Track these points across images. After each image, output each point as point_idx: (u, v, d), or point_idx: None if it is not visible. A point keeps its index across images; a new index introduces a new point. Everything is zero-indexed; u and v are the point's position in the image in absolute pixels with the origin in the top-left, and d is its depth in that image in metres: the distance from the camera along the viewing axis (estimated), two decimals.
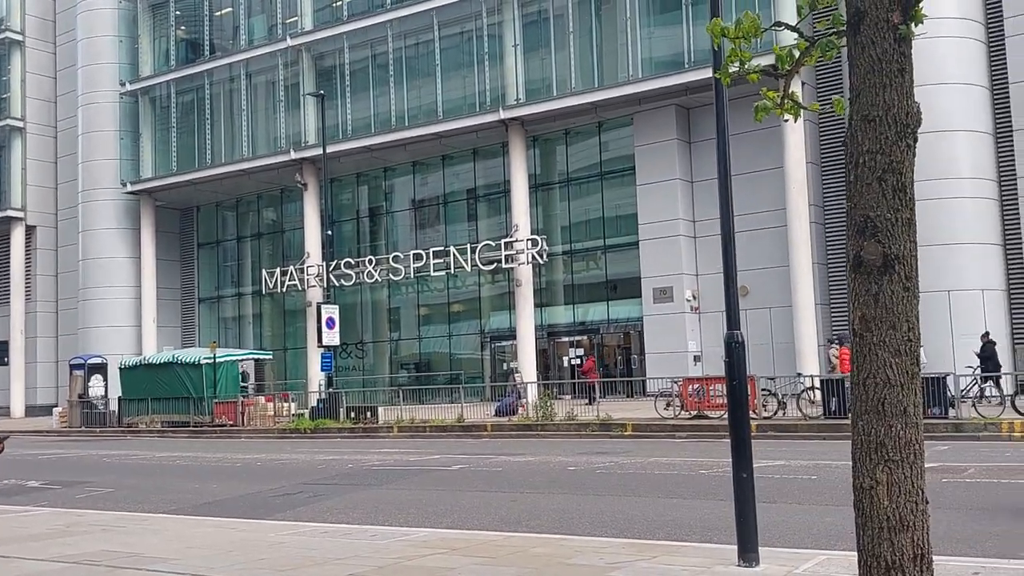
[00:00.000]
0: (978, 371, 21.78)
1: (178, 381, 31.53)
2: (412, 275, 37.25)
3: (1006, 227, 27.68)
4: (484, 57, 35.04)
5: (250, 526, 10.38)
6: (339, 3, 38.89)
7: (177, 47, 43.77)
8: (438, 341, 39.13)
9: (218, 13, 42.83)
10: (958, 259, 26.60)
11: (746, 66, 4.02)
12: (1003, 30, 27.63)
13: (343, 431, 27.08)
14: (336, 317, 30.72)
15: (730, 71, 4.10)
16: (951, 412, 19.86)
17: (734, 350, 7.79)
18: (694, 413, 22.57)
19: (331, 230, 35.00)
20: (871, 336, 3.43)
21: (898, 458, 3.37)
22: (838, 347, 23.61)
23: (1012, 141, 27.40)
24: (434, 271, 36.59)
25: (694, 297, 32.06)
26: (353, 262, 38.07)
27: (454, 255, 35.57)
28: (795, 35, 3.99)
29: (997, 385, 21.63)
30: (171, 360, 32.72)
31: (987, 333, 23.68)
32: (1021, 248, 27.21)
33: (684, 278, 32.00)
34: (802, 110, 4.31)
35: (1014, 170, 27.33)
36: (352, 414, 28.48)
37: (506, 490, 13.19)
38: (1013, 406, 19.69)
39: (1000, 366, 23.16)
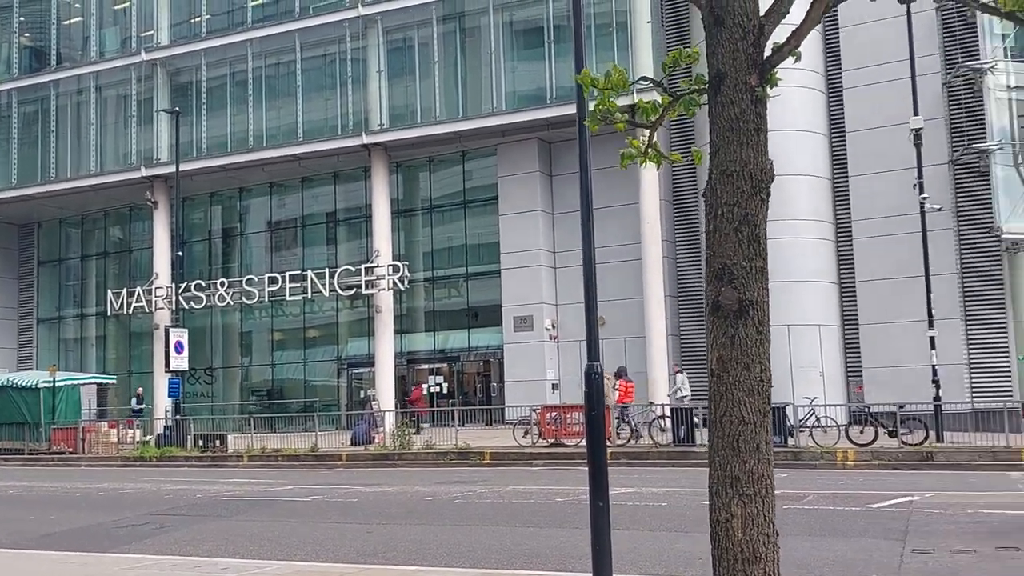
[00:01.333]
0: (815, 400, 23.02)
1: (13, 406, 29.66)
2: (267, 299, 36.37)
3: (841, 266, 29.50)
4: (347, 81, 34.82)
5: (93, 560, 9.87)
6: (197, 19, 37.85)
7: (21, 55, 41.51)
8: (292, 367, 38.29)
9: (67, 22, 40.92)
10: (798, 295, 28.13)
11: (614, 115, 4.22)
12: (841, 82, 29.60)
13: (191, 460, 26.08)
14: (185, 341, 29.67)
15: (598, 118, 4.30)
16: (790, 441, 20.94)
17: (593, 380, 8.02)
18: (551, 441, 22.91)
19: (181, 251, 33.84)
20: (727, 376, 3.65)
21: (752, 492, 3.59)
22: (618, 380, 24.81)
23: (848, 186, 29.30)
24: (290, 295, 35.85)
25: (553, 326, 32.64)
26: (204, 284, 36.86)
27: (312, 279, 34.98)
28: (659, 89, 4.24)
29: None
30: (5, 384, 30.75)
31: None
32: (854, 286, 29.02)
33: (544, 307, 32.55)
34: (664, 158, 4.55)
35: (849, 213, 29.21)
36: (200, 442, 27.49)
37: (362, 521, 13.03)
38: (847, 435, 20.91)
39: None
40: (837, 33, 29.47)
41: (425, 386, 34.79)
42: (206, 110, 36.82)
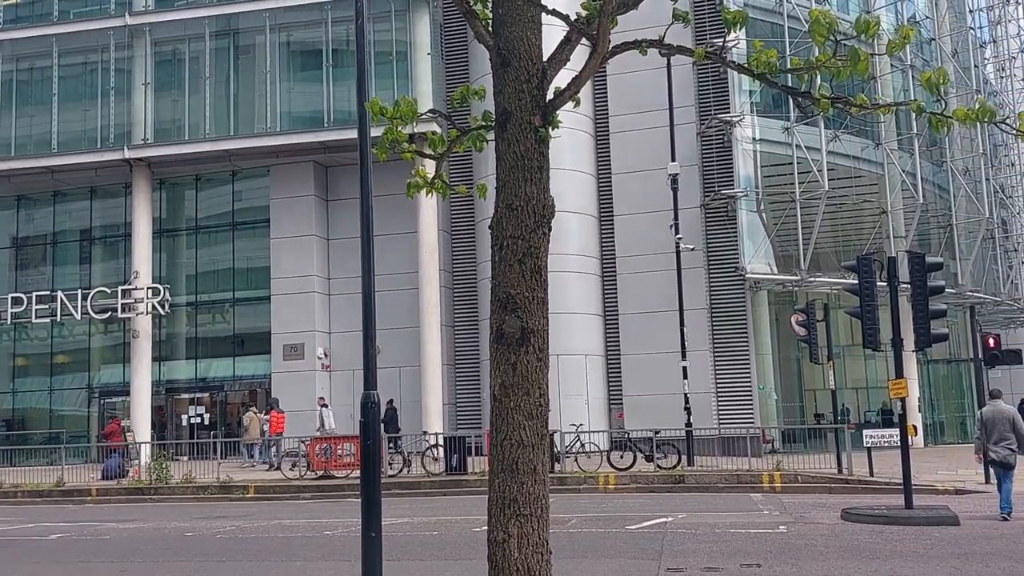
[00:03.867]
0: (580, 427, 23.96)
1: None
2: (9, 321, 33.32)
3: (606, 300, 31.01)
4: (110, 92, 32.80)
5: None
6: None
7: None
8: (37, 396, 35.20)
9: None
10: (567, 327, 29.26)
11: (402, 144, 4.27)
12: (608, 127, 31.27)
13: None
14: None
15: (387, 146, 4.33)
16: (557, 466, 21.69)
17: (369, 410, 7.98)
18: (320, 473, 22.43)
19: None
20: (508, 401, 3.78)
21: (528, 512, 3.72)
22: (270, 412, 25.42)
23: (613, 224, 30.92)
24: (36, 317, 33.03)
25: (326, 355, 32.03)
26: None
27: (62, 301, 32.43)
28: (447, 122, 4.34)
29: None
30: None
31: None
32: (617, 318, 30.57)
33: (316, 335, 31.88)
34: (450, 189, 4.65)
35: (614, 250, 30.81)
36: None
37: (115, 560, 12.18)
38: (609, 461, 21.93)
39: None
40: (605, 80, 31.12)
41: (186, 416, 33.08)
42: None
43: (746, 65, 3.78)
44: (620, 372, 30.17)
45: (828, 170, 29.01)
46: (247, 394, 33.90)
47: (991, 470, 15.51)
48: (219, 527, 15.46)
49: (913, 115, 3.91)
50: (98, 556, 12.66)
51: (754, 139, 29.95)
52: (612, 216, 30.90)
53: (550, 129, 3.68)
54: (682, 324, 24.68)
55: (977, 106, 3.51)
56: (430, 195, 4.70)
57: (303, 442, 23.49)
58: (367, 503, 7.75)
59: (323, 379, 31.97)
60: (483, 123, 4.04)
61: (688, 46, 3.98)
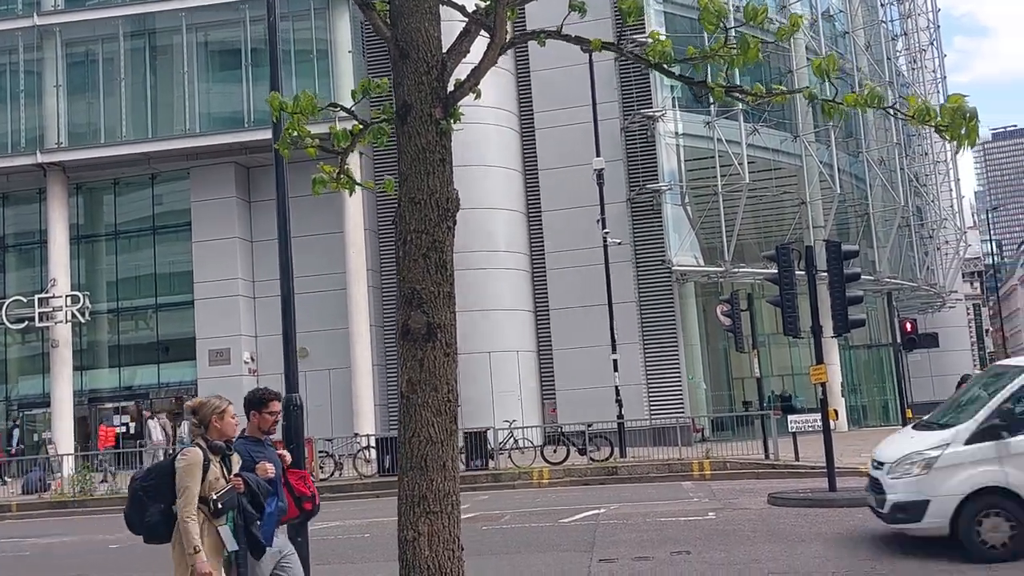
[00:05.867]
0: (514, 423, 24.02)
1: None
2: None
3: (536, 295, 31.11)
4: (20, 95, 31.76)
5: None
6: None
7: None
8: None
9: None
10: (497, 324, 29.32)
11: (305, 140, 4.20)
12: (533, 122, 31.35)
13: None
14: None
15: (288, 142, 4.26)
16: (491, 463, 21.70)
17: (292, 413, 7.87)
18: None
19: None
20: (416, 398, 3.74)
21: (438, 509, 3.68)
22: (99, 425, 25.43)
23: (541, 220, 31.01)
24: None
25: (252, 359, 31.49)
26: None
27: None
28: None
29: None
30: None
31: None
32: (548, 313, 30.70)
33: (242, 339, 31.33)
34: (357, 185, 4.59)
35: (543, 245, 30.92)
36: None
37: None
38: (542, 455, 21.99)
39: None
40: (529, 76, 31.22)
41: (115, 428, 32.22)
42: None
43: (643, 55, 3.80)
44: (552, 367, 30.32)
45: (748, 163, 29.55)
46: (173, 401, 33.15)
47: None
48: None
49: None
50: (15, 572, 12.25)
51: (676, 134, 30.36)
52: (540, 212, 31.02)
53: (452, 122, 3.66)
54: (611, 318, 24.88)
55: (866, 92, 3.58)
56: (336, 191, 4.64)
57: None
58: None
59: (251, 384, 31.41)
60: (384, 117, 3.99)
61: (600, 40, 3.97)
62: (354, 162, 4.60)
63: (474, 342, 27.75)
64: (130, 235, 33.51)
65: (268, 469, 5.37)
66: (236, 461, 5.21)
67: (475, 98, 3.89)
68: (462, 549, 3.82)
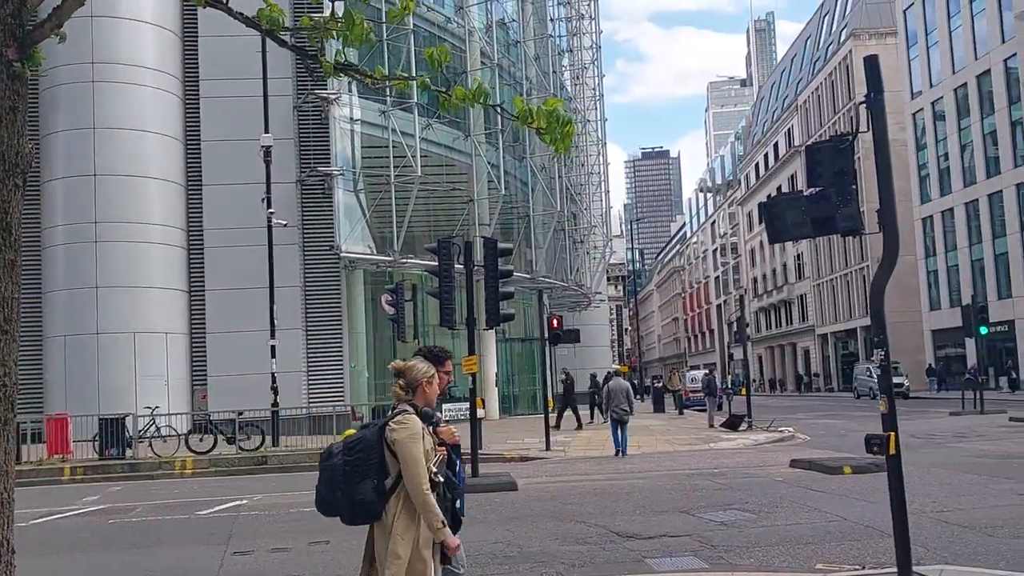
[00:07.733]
0: (157, 410, 22.47)
1: None
2: None
3: (192, 274, 29.33)
4: None
5: None
6: None
7: None
8: None
9: None
10: (145, 302, 27.32)
11: None
12: (199, 90, 29.49)
13: None
14: None
15: None
16: (128, 452, 20.15)
17: None
18: None
19: None
20: None
21: None
22: None
23: (201, 194, 29.24)
24: None
25: None
26: None
27: None
28: None
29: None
30: None
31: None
32: (203, 294, 29.08)
33: None
34: None
35: (202, 221, 29.19)
36: None
37: None
38: (187, 444, 20.77)
39: None
40: (196, 41, 29.36)
41: None
42: None
43: (255, 20, 3.53)
44: (205, 351, 28.81)
45: (422, 156, 30.02)
46: None
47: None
48: None
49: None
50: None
51: (352, 119, 30.09)
52: (201, 185, 29.29)
53: (28, 65, 3.15)
54: (272, 301, 24.13)
55: (474, 87, 3.58)
56: None
57: None
58: None
59: None
60: None
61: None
62: None
63: (116, 321, 25.72)
64: None
65: (454, 433, 4.78)
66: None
67: (59, 41, 3.39)
68: (13, 553, 3.30)
